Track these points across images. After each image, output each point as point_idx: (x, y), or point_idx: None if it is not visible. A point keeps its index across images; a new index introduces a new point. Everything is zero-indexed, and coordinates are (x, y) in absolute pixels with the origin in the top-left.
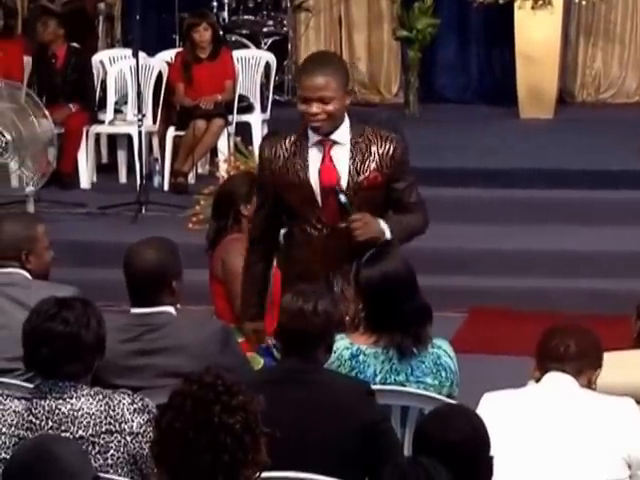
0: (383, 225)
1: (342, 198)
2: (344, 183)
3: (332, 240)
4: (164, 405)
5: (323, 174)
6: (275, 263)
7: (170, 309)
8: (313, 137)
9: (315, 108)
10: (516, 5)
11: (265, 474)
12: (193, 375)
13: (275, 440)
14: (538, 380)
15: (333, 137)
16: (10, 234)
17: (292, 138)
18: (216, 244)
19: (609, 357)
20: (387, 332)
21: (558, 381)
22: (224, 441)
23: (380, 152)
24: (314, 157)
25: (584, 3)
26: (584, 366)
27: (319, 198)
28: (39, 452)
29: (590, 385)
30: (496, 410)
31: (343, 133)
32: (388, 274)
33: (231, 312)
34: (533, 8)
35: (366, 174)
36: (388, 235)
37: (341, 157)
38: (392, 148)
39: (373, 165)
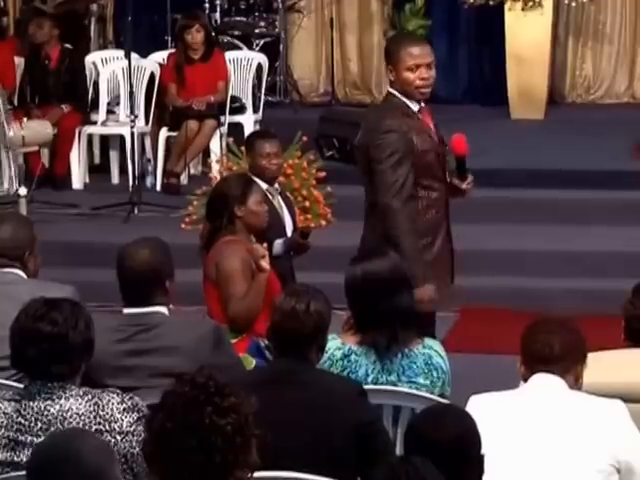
0: None
1: (466, 165)
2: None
3: (446, 195)
4: (156, 406)
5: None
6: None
7: (163, 309)
8: (415, 106)
9: (426, 73)
10: (506, 6)
11: (258, 474)
12: (185, 376)
13: (268, 440)
14: (525, 378)
15: (423, 105)
16: (14, 234)
17: (397, 112)
18: (210, 245)
19: (597, 357)
20: (366, 331)
21: (545, 384)
22: (215, 442)
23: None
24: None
25: (574, 5)
26: (570, 364)
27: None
28: (62, 451)
29: (578, 380)
30: (483, 413)
31: None
32: (369, 274)
33: (224, 314)
34: (523, 9)
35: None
36: None
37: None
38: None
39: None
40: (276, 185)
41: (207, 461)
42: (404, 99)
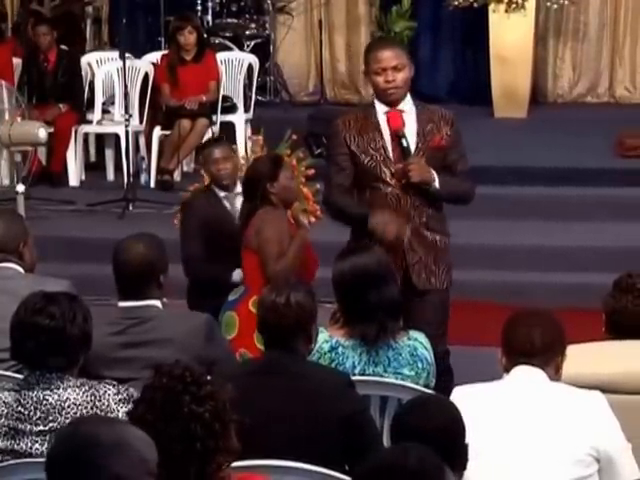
0: (435, 175)
1: (404, 142)
2: (412, 144)
3: (404, 195)
4: (137, 399)
5: (390, 118)
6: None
7: (157, 303)
8: (382, 108)
9: (391, 76)
10: (490, 8)
11: (247, 462)
12: (163, 368)
13: (256, 430)
14: (507, 369)
15: (400, 107)
16: (7, 228)
17: (360, 114)
18: (248, 220)
19: (579, 349)
20: (354, 323)
21: (526, 375)
22: (194, 430)
23: (441, 123)
24: (385, 124)
25: (555, 6)
26: (551, 356)
27: (392, 156)
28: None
29: (558, 370)
30: (466, 405)
31: (408, 103)
32: (356, 267)
33: (262, 279)
34: (507, 11)
35: (432, 137)
36: (437, 185)
37: (408, 122)
38: (451, 121)
39: (436, 131)
40: (237, 189)
41: (188, 449)
42: (376, 101)
